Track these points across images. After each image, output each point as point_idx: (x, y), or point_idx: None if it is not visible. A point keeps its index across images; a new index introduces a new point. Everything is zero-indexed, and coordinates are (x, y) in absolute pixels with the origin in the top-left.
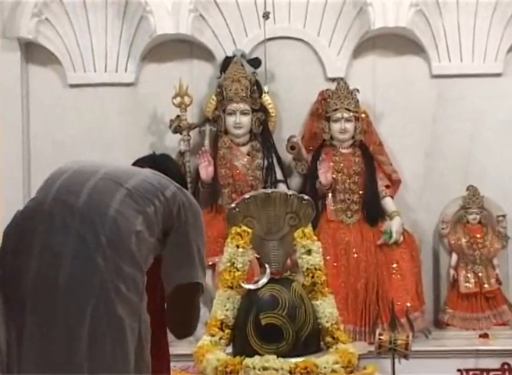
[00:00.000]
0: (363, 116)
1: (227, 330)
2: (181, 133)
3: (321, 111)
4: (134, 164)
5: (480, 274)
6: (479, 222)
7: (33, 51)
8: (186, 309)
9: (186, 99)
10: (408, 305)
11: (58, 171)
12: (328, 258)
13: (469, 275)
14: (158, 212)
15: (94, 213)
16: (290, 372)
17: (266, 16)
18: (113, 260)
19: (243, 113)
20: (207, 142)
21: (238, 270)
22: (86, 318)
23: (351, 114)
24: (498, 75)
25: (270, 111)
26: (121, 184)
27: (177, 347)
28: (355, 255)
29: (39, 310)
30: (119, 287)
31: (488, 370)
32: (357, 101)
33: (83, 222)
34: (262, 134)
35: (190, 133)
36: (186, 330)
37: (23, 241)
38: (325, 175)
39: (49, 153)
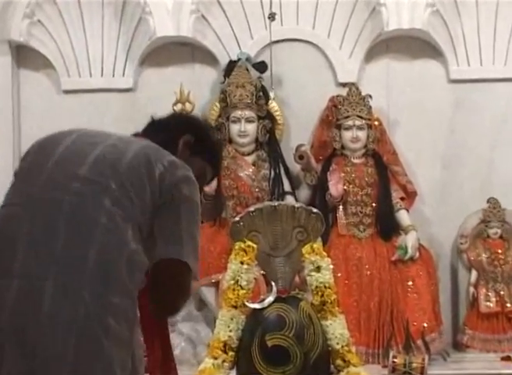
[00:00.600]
0: (376, 123)
1: (231, 353)
2: None
3: (332, 118)
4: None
5: (501, 292)
6: (500, 236)
7: (24, 55)
8: (169, 288)
9: (188, 106)
10: (424, 325)
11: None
12: (338, 275)
13: (490, 293)
14: (146, 206)
15: (79, 234)
16: None
17: (272, 17)
18: (100, 292)
19: (248, 121)
20: None
21: (242, 288)
22: (68, 359)
23: (363, 121)
24: None
25: (277, 118)
26: (106, 186)
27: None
28: (368, 272)
29: (18, 345)
30: (107, 321)
31: None
32: (370, 107)
33: (66, 246)
34: (269, 143)
35: None
36: (165, 309)
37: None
38: (335, 186)
39: None
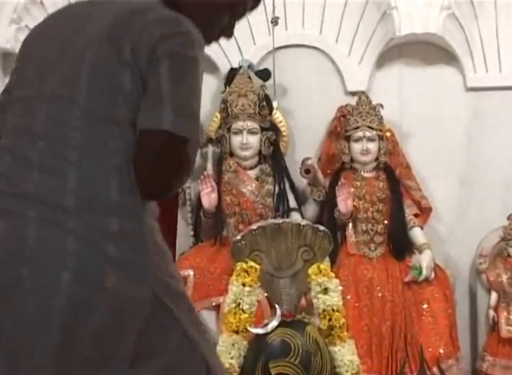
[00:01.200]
0: (388, 134)
1: None
2: None
3: (340, 129)
4: None
5: None
6: None
7: (11, 63)
8: (154, 166)
9: None
10: (441, 351)
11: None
12: (348, 297)
13: (511, 317)
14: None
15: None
16: None
17: (275, 21)
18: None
19: (250, 132)
20: (209, 166)
21: (244, 312)
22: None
23: (374, 133)
24: None
25: (281, 130)
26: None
27: None
28: (379, 294)
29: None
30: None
31: None
32: (381, 117)
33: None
34: (273, 156)
35: None
36: (153, 190)
37: None
38: (344, 202)
39: None
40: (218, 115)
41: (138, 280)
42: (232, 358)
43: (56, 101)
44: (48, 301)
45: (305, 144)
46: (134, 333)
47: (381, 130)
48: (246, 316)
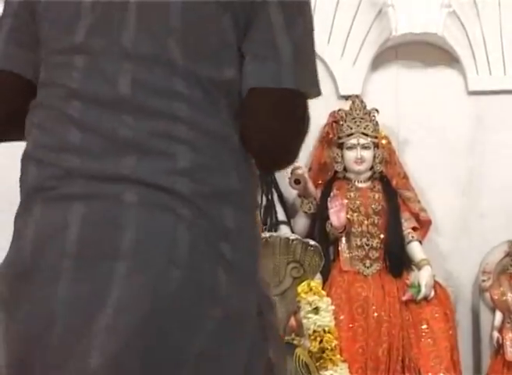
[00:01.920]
0: (383, 142)
1: None
2: None
3: (333, 136)
4: None
5: None
6: None
7: None
8: (273, 129)
9: None
10: None
11: None
12: (341, 317)
13: None
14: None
15: None
16: None
17: None
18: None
19: None
20: None
21: None
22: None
23: (369, 140)
24: None
25: None
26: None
27: None
28: (375, 314)
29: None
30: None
31: None
32: (377, 123)
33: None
34: None
35: None
36: (272, 153)
37: None
38: (337, 215)
39: None
40: None
41: (248, 288)
42: None
43: (142, 61)
44: (148, 306)
45: None
46: (244, 355)
47: (376, 137)
48: None
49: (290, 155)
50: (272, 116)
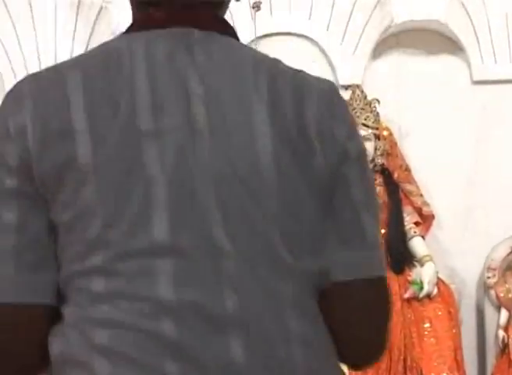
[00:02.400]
0: (385, 133)
1: None
2: None
3: None
4: None
5: None
6: None
7: None
8: (369, 322)
9: None
10: None
11: None
12: None
13: None
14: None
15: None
16: None
17: (257, 6)
18: None
19: None
20: None
21: None
22: None
23: (370, 131)
24: None
25: None
26: None
27: None
28: None
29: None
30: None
31: None
32: (377, 114)
33: None
34: None
35: None
36: (369, 350)
37: None
38: None
39: None
40: None
41: None
42: None
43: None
44: None
45: None
46: None
47: (377, 129)
48: None
49: (383, 351)
50: (369, 307)
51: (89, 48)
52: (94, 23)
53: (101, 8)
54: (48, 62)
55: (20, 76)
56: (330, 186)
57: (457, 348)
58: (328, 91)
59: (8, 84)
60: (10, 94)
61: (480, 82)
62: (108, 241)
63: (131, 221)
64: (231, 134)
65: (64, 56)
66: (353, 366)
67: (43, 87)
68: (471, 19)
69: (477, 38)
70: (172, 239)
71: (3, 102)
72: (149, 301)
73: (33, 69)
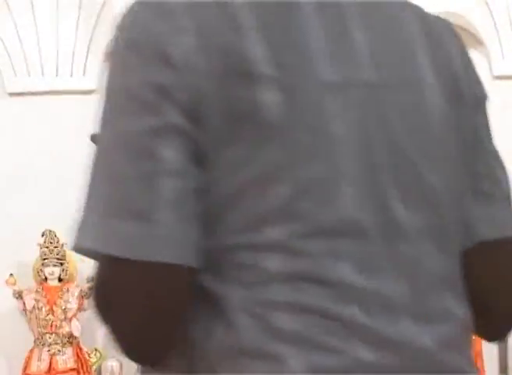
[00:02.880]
0: None
1: None
2: None
3: None
4: None
5: None
6: None
7: None
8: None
9: None
10: None
11: None
12: None
13: None
14: None
15: None
16: None
17: None
18: None
19: None
20: None
21: None
22: None
23: None
24: None
25: None
26: None
27: None
28: None
29: None
30: None
31: None
32: None
33: None
34: None
35: None
36: None
37: None
38: None
39: None
40: None
41: None
42: None
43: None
44: None
45: None
46: None
47: None
48: None
49: None
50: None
51: (92, 44)
52: (98, 17)
53: (104, 2)
54: (49, 58)
55: (21, 73)
56: (469, 139)
57: (477, 352)
58: (459, 35)
59: (8, 83)
60: (148, 7)
61: (500, 77)
62: (294, 213)
63: (320, 191)
64: (401, 90)
65: (66, 52)
66: (490, 339)
67: (204, 12)
68: (491, 13)
69: (497, 32)
70: (357, 216)
71: (138, 17)
72: (337, 285)
73: (35, 65)
